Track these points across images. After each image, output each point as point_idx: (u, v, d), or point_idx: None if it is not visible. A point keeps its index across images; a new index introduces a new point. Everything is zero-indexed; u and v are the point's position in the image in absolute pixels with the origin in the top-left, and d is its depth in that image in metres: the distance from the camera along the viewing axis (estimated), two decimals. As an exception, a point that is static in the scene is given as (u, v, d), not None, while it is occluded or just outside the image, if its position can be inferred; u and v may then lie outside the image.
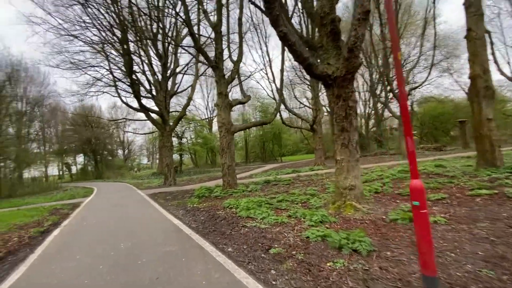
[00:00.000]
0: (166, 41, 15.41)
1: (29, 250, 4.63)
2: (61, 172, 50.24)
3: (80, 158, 49.29)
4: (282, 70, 12.70)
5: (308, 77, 19.51)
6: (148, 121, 19.13)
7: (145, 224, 5.75)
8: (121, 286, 2.71)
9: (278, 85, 15.14)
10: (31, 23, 15.57)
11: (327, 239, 3.42)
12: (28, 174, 34.84)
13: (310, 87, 19.59)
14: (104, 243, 4.43)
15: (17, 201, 15.57)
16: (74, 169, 50.49)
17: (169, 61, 16.71)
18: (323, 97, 21.01)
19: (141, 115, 40.57)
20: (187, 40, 18.99)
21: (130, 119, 32.83)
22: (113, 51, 16.91)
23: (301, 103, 24.15)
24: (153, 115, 17.31)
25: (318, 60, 5.93)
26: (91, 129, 41.38)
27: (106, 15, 13.73)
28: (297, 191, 7.86)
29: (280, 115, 18.25)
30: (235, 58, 11.40)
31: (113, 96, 18.27)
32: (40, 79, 35.02)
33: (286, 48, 6.64)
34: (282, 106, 16.23)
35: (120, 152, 55.62)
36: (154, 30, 15.57)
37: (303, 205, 6.09)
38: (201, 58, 13.05)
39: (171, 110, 19.92)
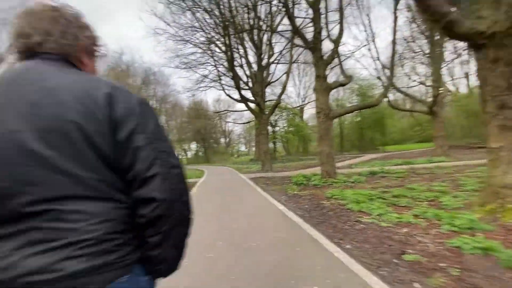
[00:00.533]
0: (263, 29, 15.80)
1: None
2: (179, 156, 61.71)
3: (193, 145, 58.97)
4: (394, 42, 10.70)
5: (426, 47, 15.95)
6: (246, 112, 20.56)
7: (251, 207, 6.05)
8: (243, 267, 2.77)
9: (384, 62, 13.00)
10: (156, 34, 19.19)
11: (493, 253, 2.50)
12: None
13: (429, 59, 15.97)
14: (218, 222, 4.86)
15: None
16: (189, 154, 60.93)
17: (264, 51, 17.18)
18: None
19: (241, 106, 44.05)
20: (281, 27, 18.99)
21: (230, 110, 36.37)
22: (217, 49, 18.82)
23: (415, 80, 20.15)
24: (251, 105, 18.38)
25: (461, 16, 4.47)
26: (201, 120, 48.48)
27: (210, 15, 15.34)
28: (417, 186, 6.51)
29: (387, 97, 15.79)
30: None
31: (218, 89, 20.57)
32: (164, 81, 43.58)
33: (412, 8, 5.36)
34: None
35: (222, 140, 63.23)
36: (251, 22, 16.22)
37: (432, 204, 4.92)
38: (298, 42, 12.63)
39: (266, 99, 20.61)
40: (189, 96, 42.85)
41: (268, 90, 29.37)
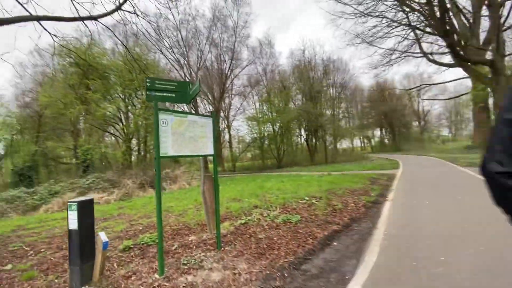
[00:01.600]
0: None
1: (370, 223, 4.33)
2: (362, 144, 57.86)
3: (377, 132, 53.06)
4: None
5: None
6: (451, 83, 14.50)
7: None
8: None
9: None
10: (335, 17, 17.99)
11: None
12: (339, 145, 44.04)
13: None
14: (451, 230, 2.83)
15: (338, 166, 19.37)
16: (372, 142, 55.69)
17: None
18: None
19: (440, 78, 33.62)
20: None
21: (429, 84, 28.34)
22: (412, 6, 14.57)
23: None
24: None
25: None
26: (386, 102, 42.31)
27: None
28: None
29: None
30: None
31: (415, 57, 16.00)
32: (343, 67, 42.01)
33: None
34: None
35: (414, 123, 51.93)
36: None
37: None
38: None
39: (507, 53, 13.40)
40: (371, 77, 38.42)
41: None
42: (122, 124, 18.68)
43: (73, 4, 6.85)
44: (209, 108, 30.92)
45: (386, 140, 51.44)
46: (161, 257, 2.80)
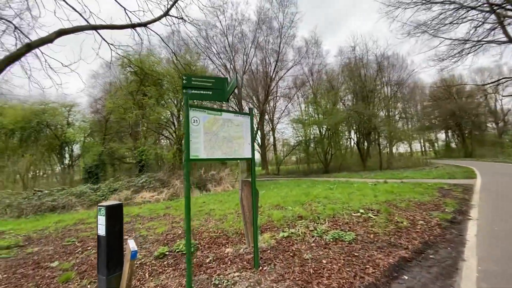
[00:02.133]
0: None
1: (452, 250, 3.33)
2: (423, 149, 51.49)
3: (441, 135, 46.63)
4: None
5: None
6: None
7: None
8: None
9: None
10: (390, 7, 16.06)
11: None
12: (395, 149, 39.68)
13: None
14: None
15: (395, 173, 17.21)
16: (436, 146, 49.14)
17: None
18: None
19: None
20: None
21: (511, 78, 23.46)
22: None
23: None
24: None
25: None
26: (453, 100, 36.84)
27: None
28: None
29: None
30: None
31: (499, 43, 13.11)
32: (399, 64, 37.94)
33: None
34: None
35: (491, 125, 44.00)
36: None
37: None
38: None
39: None
40: (434, 72, 33.88)
41: None
42: (174, 127, 19.84)
43: (126, 13, 7.27)
44: (255, 111, 31.03)
45: (453, 144, 44.79)
46: (189, 275, 2.43)
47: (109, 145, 20.42)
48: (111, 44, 7.50)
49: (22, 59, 6.54)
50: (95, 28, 6.05)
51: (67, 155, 23.39)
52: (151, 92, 18.04)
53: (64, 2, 6.49)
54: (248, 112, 3.19)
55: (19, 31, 6.39)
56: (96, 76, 24.46)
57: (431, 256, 3.17)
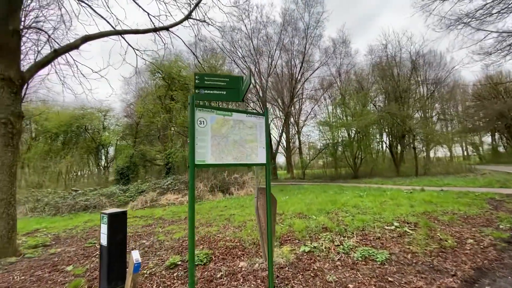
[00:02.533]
0: None
1: (514, 280, 2.69)
2: (465, 153, 46.97)
3: (488, 138, 42.17)
4: None
5: None
6: None
7: None
8: None
9: None
10: (425, 7, 14.72)
11: None
12: (433, 154, 36.47)
13: None
14: None
15: (434, 179, 15.67)
16: (481, 150, 44.53)
17: None
18: None
19: None
20: None
21: None
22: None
23: None
24: None
25: None
26: (502, 100, 33.11)
27: None
28: None
29: None
30: None
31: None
32: (436, 61, 35.01)
33: None
34: None
35: (550, 126, 38.72)
36: None
37: None
38: None
39: None
40: (479, 69, 30.77)
41: None
42: (199, 130, 20.21)
43: (149, 18, 7.40)
44: (279, 114, 30.55)
45: (501, 148, 40.17)
46: (192, 296, 2.16)
47: (139, 147, 21.37)
48: (136, 49, 7.71)
49: (57, 66, 6.96)
50: (119, 33, 6.19)
51: (103, 157, 24.97)
52: (178, 97, 18.54)
53: (93, 11, 6.78)
54: (262, 113, 2.88)
55: (52, 40, 6.80)
56: (129, 82, 25.90)
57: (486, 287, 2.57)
